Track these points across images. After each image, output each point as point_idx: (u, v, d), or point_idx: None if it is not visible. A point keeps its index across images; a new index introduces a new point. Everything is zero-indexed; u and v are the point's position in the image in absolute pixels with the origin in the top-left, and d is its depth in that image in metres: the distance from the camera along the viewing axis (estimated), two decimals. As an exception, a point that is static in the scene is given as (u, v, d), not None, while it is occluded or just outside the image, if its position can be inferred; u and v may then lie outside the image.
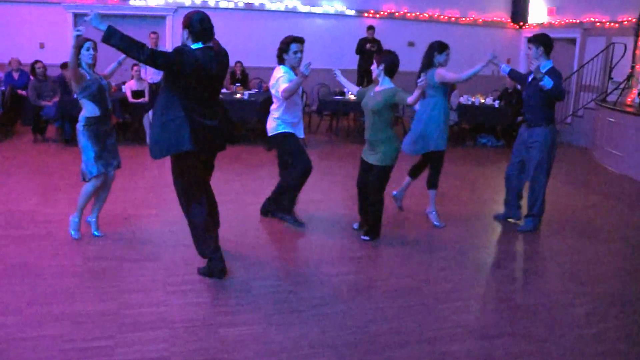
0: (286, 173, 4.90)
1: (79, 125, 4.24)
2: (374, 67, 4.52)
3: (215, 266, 3.75)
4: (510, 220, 5.27)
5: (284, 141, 4.78)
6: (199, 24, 3.47)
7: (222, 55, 3.66)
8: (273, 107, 4.81)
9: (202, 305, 3.45)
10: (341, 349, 3.04)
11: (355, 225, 4.90)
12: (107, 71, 4.68)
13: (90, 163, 4.23)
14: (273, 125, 4.80)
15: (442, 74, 4.80)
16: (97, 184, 4.31)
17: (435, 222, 5.12)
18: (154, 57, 3.32)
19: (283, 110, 4.72)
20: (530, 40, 4.80)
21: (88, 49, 4.22)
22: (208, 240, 3.74)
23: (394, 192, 5.35)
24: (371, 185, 4.56)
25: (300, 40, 4.60)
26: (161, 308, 3.37)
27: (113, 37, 3.23)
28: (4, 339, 2.95)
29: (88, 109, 4.24)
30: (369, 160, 4.58)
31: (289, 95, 4.50)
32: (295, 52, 4.56)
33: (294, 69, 4.63)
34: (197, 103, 3.54)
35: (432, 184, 5.10)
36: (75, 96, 4.39)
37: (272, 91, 4.70)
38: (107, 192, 4.51)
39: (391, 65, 4.45)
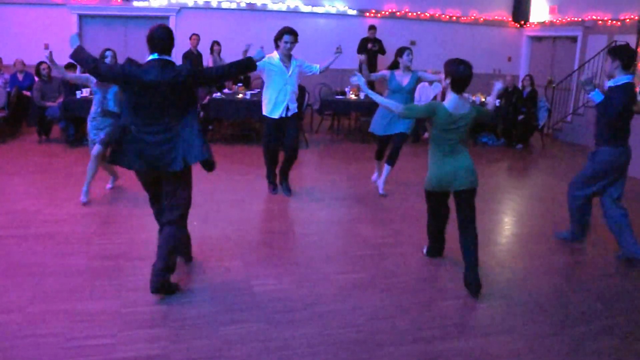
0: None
1: None
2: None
3: None
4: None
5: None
6: (150, 37, 3.51)
7: (170, 68, 3.44)
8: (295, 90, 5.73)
9: (203, 303, 3.50)
10: (339, 347, 3.08)
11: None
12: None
13: None
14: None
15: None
16: None
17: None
18: (97, 69, 3.54)
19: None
20: (609, 51, 4.47)
21: (106, 57, 5.26)
22: None
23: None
24: None
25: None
26: (162, 306, 3.42)
27: (76, 54, 3.61)
28: (7, 337, 3.00)
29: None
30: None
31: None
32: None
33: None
34: (135, 115, 3.48)
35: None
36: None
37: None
38: None
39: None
